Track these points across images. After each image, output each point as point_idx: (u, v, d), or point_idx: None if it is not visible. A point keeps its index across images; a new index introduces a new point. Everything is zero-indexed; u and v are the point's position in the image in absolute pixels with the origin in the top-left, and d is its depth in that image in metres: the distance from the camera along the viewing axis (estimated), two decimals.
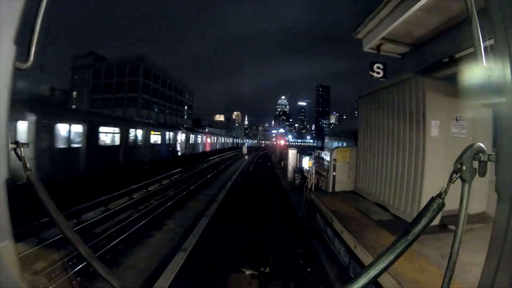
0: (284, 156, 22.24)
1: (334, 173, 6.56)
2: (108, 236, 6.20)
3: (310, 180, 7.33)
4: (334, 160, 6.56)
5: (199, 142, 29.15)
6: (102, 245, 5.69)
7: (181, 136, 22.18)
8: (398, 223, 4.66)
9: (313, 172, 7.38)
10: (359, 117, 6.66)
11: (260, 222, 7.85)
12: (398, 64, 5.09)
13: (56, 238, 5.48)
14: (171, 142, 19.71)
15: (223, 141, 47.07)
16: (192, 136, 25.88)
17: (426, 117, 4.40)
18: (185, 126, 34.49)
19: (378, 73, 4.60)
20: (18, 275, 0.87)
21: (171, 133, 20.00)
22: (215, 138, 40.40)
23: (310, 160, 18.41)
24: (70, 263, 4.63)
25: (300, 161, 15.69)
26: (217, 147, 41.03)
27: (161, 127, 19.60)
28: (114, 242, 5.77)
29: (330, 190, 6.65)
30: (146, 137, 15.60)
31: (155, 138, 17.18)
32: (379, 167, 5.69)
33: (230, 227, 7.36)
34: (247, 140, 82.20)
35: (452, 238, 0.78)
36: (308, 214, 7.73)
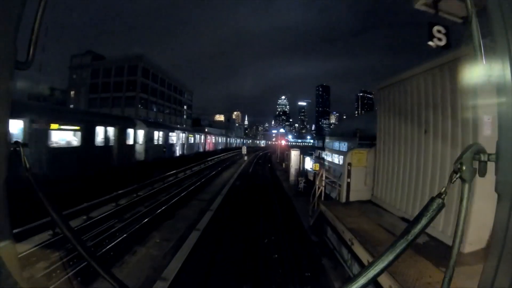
0: (285, 157, 21.21)
1: (348, 180, 5.50)
2: None
3: (318, 188, 6.28)
4: (349, 164, 5.49)
5: (173, 142, 20.14)
6: (72, 265, 4.59)
7: (135, 135, 14.18)
8: (439, 248, 3.61)
9: (323, 178, 6.32)
10: (379, 112, 5.60)
11: (260, 235, 6.80)
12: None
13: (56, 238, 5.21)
14: (110, 144, 12.08)
15: (214, 140, 38.30)
16: (158, 134, 17.22)
17: (478, 111, 3.36)
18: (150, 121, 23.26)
19: (440, 39, 3.38)
20: (18, 275, 0.86)
21: (112, 129, 12.09)
22: (201, 137, 29.64)
23: (315, 162, 17.36)
24: (70, 263, 4.52)
25: (303, 163, 14.60)
26: (205, 148, 31.01)
27: (84, 117, 11.35)
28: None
29: (344, 200, 5.59)
30: (35, 134, 8.23)
31: (66, 136, 9.87)
32: (406, 174, 4.65)
33: (224, 242, 6.33)
34: (242, 140, 76.38)
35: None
36: (316, 225, 6.70)
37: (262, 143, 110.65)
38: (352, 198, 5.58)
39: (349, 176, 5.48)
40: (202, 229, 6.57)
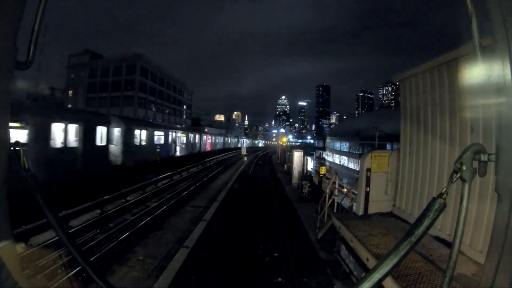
0: (287, 159, 20.28)
1: (367, 189, 4.58)
2: None
3: (329, 197, 5.35)
4: (368, 170, 4.57)
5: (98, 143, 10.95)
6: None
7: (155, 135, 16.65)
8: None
9: (335, 186, 5.39)
10: (402, 108, 4.68)
11: (261, 251, 5.89)
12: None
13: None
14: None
15: (211, 141, 30.89)
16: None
17: None
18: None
19: None
20: (18, 275, 0.85)
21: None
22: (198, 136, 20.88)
23: (316, 162, 16.40)
24: (70, 263, 4.34)
25: (307, 165, 13.64)
26: (171, 151, 19.98)
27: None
28: None
29: (361, 212, 4.67)
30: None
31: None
32: (442, 182, 3.74)
33: (218, 258, 5.43)
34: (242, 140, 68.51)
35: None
36: (325, 238, 5.80)
37: (261, 143, 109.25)
38: (371, 210, 4.66)
39: (368, 184, 4.55)
40: (191, 247, 5.63)
